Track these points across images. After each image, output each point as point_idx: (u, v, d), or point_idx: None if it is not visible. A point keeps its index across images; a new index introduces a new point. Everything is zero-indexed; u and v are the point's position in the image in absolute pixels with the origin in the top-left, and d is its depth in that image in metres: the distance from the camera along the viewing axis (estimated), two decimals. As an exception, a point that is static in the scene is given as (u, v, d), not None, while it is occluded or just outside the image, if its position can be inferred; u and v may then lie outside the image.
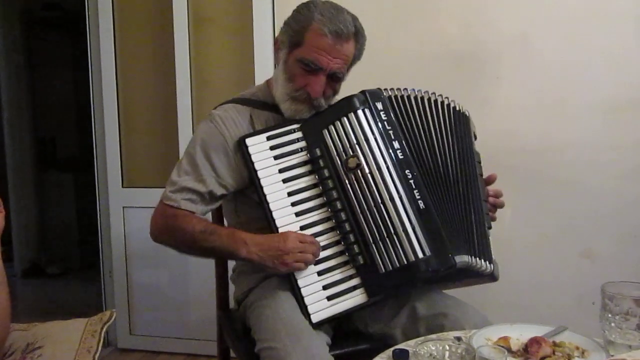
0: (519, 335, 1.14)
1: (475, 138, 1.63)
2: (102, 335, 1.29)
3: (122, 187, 2.64)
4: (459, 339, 1.14)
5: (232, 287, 1.67)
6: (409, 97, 1.49)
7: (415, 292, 1.47)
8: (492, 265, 1.47)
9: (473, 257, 1.41)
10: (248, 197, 1.52)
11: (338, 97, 1.53)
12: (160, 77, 2.59)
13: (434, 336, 1.21)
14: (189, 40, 2.49)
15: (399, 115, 1.46)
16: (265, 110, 1.54)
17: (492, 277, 1.52)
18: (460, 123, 1.54)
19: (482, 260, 1.43)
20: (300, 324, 1.33)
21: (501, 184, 1.60)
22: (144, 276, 2.65)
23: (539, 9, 2.20)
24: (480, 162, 1.59)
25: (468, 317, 1.37)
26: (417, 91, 1.51)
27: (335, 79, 1.46)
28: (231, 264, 1.70)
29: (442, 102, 1.52)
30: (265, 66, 2.37)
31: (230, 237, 1.41)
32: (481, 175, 1.57)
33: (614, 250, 2.23)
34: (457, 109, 1.54)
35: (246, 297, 1.54)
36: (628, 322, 1.04)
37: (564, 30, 2.19)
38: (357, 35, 1.45)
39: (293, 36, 1.44)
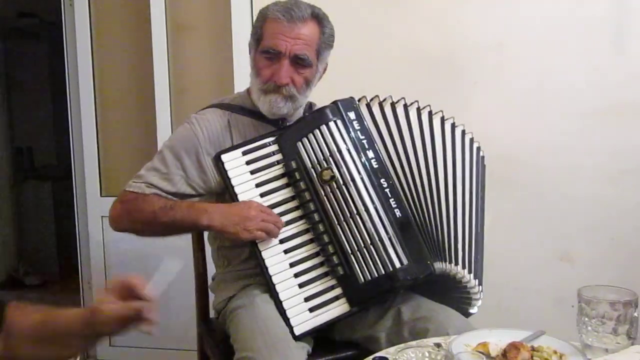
0: (498, 340, 1.14)
1: None
2: (79, 348, 1.26)
3: (101, 196, 2.60)
4: (438, 345, 1.15)
5: (212, 297, 1.66)
6: (384, 103, 1.46)
7: (400, 296, 1.48)
8: (476, 279, 1.45)
9: (454, 265, 1.41)
10: None
11: (312, 96, 1.52)
12: (139, 85, 2.57)
13: (413, 343, 1.22)
14: (168, 48, 2.46)
15: (376, 122, 1.45)
16: (244, 116, 1.54)
17: (466, 309, 1.51)
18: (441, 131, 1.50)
19: (465, 271, 1.42)
20: (278, 334, 1.33)
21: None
22: (124, 286, 2.61)
23: (515, 13, 2.22)
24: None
25: (451, 322, 1.38)
26: (393, 98, 1.48)
27: (301, 64, 1.45)
28: (210, 272, 1.69)
29: (416, 107, 1.49)
30: (244, 73, 2.31)
31: (190, 207, 1.42)
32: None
33: (592, 253, 2.25)
34: (431, 112, 1.51)
35: (226, 305, 1.53)
36: (604, 325, 1.05)
37: (540, 35, 2.21)
38: (318, 19, 1.46)
39: (255, 34, 1.49)
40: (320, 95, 1.62)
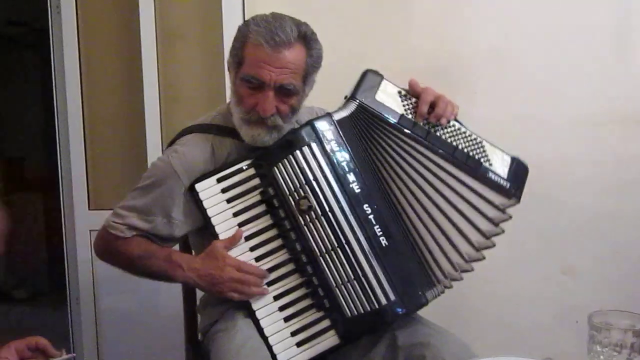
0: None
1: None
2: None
3: (89, 209, 2.52)
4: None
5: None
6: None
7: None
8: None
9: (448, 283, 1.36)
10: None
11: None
12: (128, 95, 2.50)
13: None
14: (157, 56, 2.40)
15: (357, 135, 1.34)
16: (227, 137, 1.44)
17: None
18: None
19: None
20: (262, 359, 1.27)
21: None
22: (113, 302, 2.53)
23: (514, 23, 2.17)
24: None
25: (449, 347, 1.30)
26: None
27: (286, 94, 1.34)
28: (199, 294, 1.62)
29: None
30: (236, 83, 2.29)
31: (167, 260, 1.38)
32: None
33: (595, 266, 2.19)
34: None
35: (210, 328, 1.46)
36: (619, 355, 0.98)
37: (540, 44, 2.15)
38: (306, 40, 1.34)
39: (235, 55, 1.37)
40: (313, 101, 1.55)
